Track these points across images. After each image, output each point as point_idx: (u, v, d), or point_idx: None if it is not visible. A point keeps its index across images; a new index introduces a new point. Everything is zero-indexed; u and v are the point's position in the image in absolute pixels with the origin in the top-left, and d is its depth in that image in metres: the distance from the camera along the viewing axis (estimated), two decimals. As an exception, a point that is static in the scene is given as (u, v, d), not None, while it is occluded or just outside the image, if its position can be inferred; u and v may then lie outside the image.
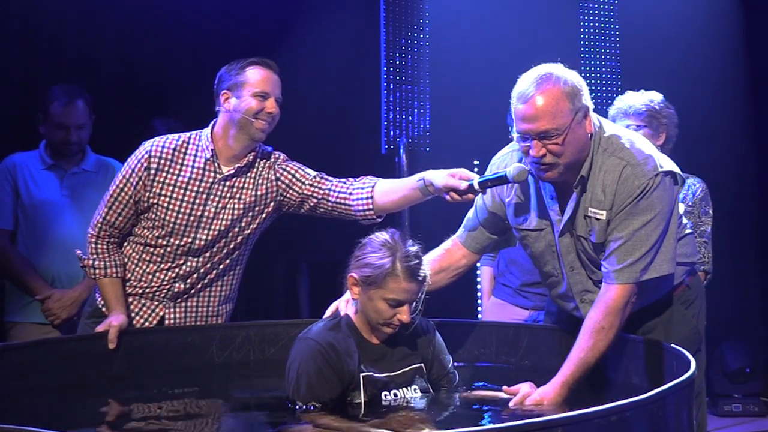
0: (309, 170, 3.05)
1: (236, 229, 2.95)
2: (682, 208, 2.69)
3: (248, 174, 2.96)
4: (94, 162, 3.81)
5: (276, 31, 5.00)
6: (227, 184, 2.92)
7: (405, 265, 2.36)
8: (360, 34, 5.21)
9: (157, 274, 2.94)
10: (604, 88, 5.61)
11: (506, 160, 2.67)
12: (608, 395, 2.41)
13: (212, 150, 2.92)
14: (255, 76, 2.94)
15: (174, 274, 2.93)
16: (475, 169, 5.15)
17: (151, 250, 2.93)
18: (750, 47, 5.77)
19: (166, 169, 2.89)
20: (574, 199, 2.50)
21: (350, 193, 2.94)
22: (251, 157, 2.96)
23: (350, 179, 3.01)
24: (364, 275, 2.38)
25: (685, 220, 2.76)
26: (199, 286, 2.98)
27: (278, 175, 3.00)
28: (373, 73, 5.19)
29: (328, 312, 2.64)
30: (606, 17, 5.77)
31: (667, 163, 2.49)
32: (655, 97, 3.49)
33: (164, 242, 2.91)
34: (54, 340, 2.97)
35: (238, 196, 2.94)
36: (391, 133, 5.18)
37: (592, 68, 5.65)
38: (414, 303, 2.41)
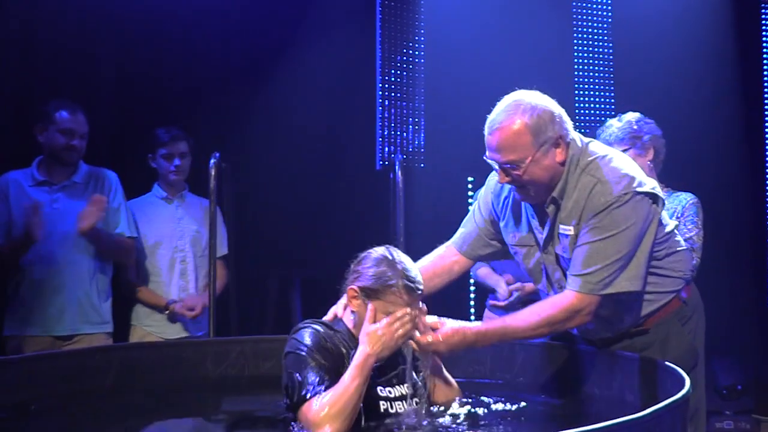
0: None
1: None
2: (672, 224, 2.70)
3: None
4: (85, 173, 3.85)
5: (273, 47, 5.01)
6: None
7: (405, 281, 2.38)
8: (355, 51, 5.23)
9: None
10: (598, 107, 5.64)
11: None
12: (603, 413, 2.41)
13: None
14: None
15: None
16: (469, 186, 5.21)
17: None
18: (744, 60, 5.81)
19: None
20: (549, 218, 2.56)
21: None
22: None
23: None
24: (365, 286, 2.40)
25: (679, 238, 2.76)
26: None
27: None
28: (368, 89, 5.21)
29: (328, 317, 2.63)
30: (600, 35, 5.81)
31: (648, 184, 2.49)
32: (630, 118, 3.59)
33: None
34: (46, 355, 2.97)
35: None
36: (386, 149, 5.19)
37: (586, 84, 5.68)
38: None
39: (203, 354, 2.89)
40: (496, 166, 2.52)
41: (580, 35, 5.77)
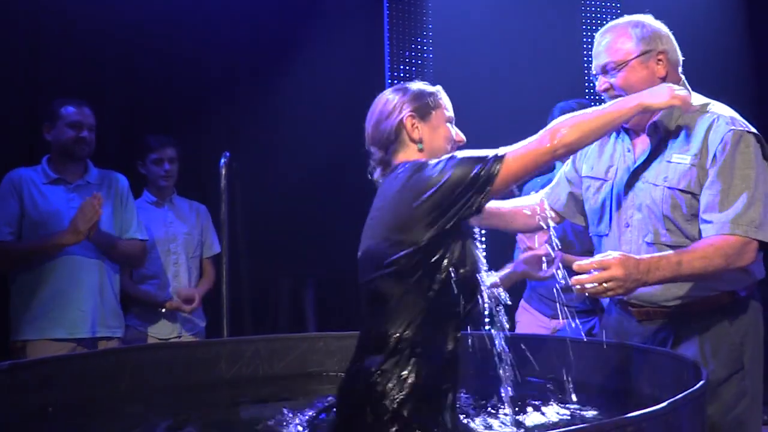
0: None
1: None
2: None
3: None
4: (98, 175, 3.85)
5: (280, 45, 5.01)
6: None
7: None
8: (364, 48, 5.23)
9: None
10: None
11: None
12: (621, 406, 2.40)
13: None
14: None
15: None
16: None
17: None
18: (756, 57, 5.76)
19: None
20: (649, 145, 2.59)
21: None
22: None
23: None
24: (422, 109, 2.31)
25: None
26: None
27: None
28: (377, 85, 5.19)
29: None
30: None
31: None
32: None
33: None
34: (60, 358, 2.96)
35: None
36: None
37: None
38: None
39: (217, 354, 2.89)
40: (598, 77, 2.62)
41: (588, 30, 5.74)
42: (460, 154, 2.15)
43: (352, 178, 5.18)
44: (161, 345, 2.95)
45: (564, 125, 2.16)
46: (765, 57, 5.83)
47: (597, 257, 2.30)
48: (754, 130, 2.50)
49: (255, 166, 4.69)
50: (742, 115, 2.58)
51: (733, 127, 2.46)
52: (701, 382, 1.98)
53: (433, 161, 2.14)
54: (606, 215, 2.69)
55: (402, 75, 5.26)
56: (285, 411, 2.53)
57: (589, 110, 2.27)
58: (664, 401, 1.81)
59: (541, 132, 2.16)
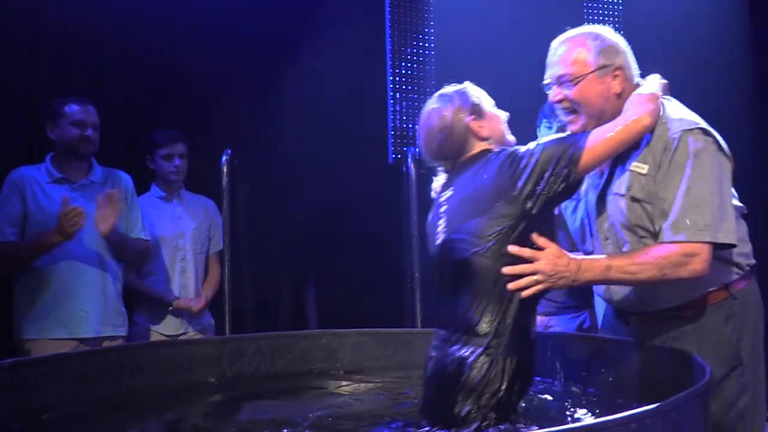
0: None
1: None
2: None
3: None
4: (101, 173, 3.83)
5: (282, 42, 5.00)
6: None
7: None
8: (365, 44, 5.21)
9: None
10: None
11: None
12: (624, 403, 2.39)
13: None
14: None
15: None
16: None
17: None
18: (760, 59, 5.73)
19: None
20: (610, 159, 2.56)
21: None
22: None
23: None
24: (476, 109, 2.42)
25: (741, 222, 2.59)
26: None
27: None
28: (379, 82, 5.18)
29: None
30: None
31: (708, 127, 2.45)
32: None
33: None
34: (61, 356, 2.96)
35: None
36: (398, 142, 5.17)
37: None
38: None
39: (219, 351, 2.89)
40: (551, 87, 2.53)
41: (591, 22, 5.73)
42: (546, 138, 2.34)
43: (354, 176, 5.21)
44: (162, 343, 2.94)
45: (637, 102, 2.40)
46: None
47: (534, 247, 2.26)
48: (703, 125, 2.43)
49: (256, 163, 4.69)
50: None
51: (680, 129, 2.40)
52: (705, 379, 1.98)
53: (523, 148, 2.32)
54: (587, 232, 2.65)
55: (404, 71, 5.25)
56: (287, 409, 2.54)
57: (640, 90, 2.48)
58: (668, 398, 1.81)
59: (621, 116, 2.38)
